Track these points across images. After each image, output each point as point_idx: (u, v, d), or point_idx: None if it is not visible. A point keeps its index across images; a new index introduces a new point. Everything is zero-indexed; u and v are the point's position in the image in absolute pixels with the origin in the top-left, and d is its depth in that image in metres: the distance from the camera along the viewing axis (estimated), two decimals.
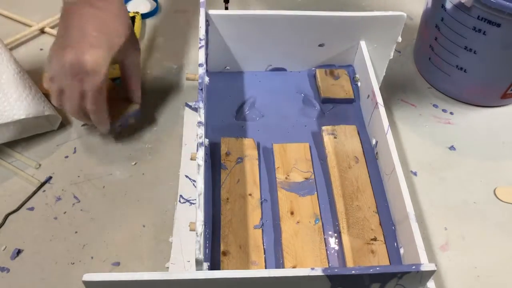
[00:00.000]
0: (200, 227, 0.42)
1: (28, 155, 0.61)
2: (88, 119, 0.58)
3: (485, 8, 0.59)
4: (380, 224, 0.51)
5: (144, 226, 0.56)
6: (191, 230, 0.43)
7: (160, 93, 0.70)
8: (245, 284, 0.39)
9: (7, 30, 0.76)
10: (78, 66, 0.53)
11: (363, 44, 0.62)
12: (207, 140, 0.52)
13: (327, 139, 0.58)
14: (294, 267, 0.48)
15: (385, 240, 0.50)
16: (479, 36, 0.62)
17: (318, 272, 0.38)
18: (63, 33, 0.55)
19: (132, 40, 0.60)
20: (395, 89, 0.73)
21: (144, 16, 0.81)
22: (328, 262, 0.49)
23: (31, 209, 0.57)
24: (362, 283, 0.40)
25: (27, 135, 0.62)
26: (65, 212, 0.56)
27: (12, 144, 0.61)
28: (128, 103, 0.64)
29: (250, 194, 0.53)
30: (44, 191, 0.58)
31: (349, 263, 0.48)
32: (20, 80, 0.59)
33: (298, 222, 0.51)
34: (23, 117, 0.57)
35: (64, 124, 0.65)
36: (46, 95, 0.62)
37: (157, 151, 0.63)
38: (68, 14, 0.55)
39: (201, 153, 0.46)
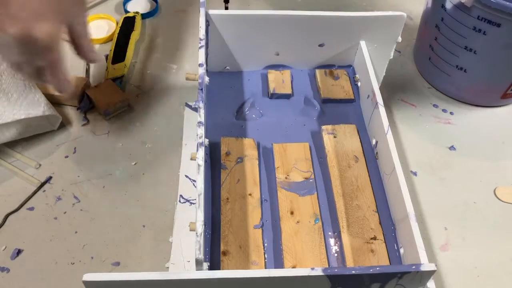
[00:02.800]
0: (200, 227, 0.42)
1: (28, 155, 0.61)
2: (44, 81, 0.51)
3: (485, 8, 0.59)
4: (380, 224, 0.51)
5: (144, 226, 0.56)
6: (191, 230, 0.43)
7: (160, 93, 0.70)
8: (245, 284, 0.39)
9: None
10: (27, 42, 0.46)
11: (363, 44, 0.62)
12: (207, 140, 0.52)
13: (326, 139, 0.58)
14: (294, 267, 0.48)
15: (384, 239, 0.50)
16: (479, 36, 0.62)
17: (318, 272, 0.38)
18: None
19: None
20: (395, 89, 0.73)
21: (144, 16, 0.81)
22: (328, 262, 0.49)
23: (31, 209, 0.57)
24: (362, 283, 0.40)
25: (27, 135, 0.62)
26: (65, 212, 0.56)
27: (12, 144, 0.61)
28: (120, 95, 0.66)
29: (250, 194, 0.53)
30: (44, 191, 0.58)
31: (349, 263, 0.48)
32: (20, 80, 0.59)
33: (298, 222, 0.51)
34: (23, 117, 0.57)
35: (64, 124, 0.65)
36: (46, 95, 0.62)
37: (157, 151, 0.63)
38: None
39: (201, 153, 0.46)
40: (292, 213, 0.52)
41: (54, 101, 0.65)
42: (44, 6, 0.46)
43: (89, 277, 0.37)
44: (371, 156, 0.57)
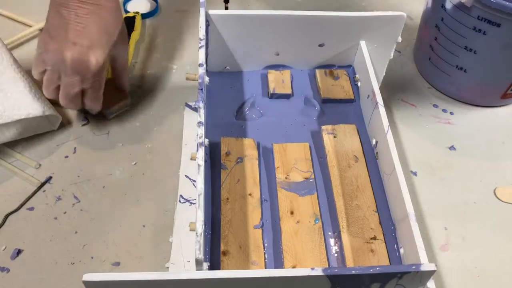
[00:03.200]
0: (200, 227, 0.42)
1: (28, 155, 0.61)
2: (78, 106, 0.59)
3: (485, 8, 0.59)
4: (380, 223, 0.51)
5: (144, 226, 0.56)
6: (191, 230, 0.43)
7: (160, 93, 0.70)
8: (245, 284, 0.39)
9: (7, 30, 0.76)
10: (81, 65, 0.53)
11: (363, 44, 0.62)
12: (207, 140, 0.52)
13: (326, 139, 0.58)
14: (294, 267, 0.48)
15: (384, 239, 0.50)
16: (479, 36, 0.62)
17: (318, 272, 0.38)
18: (58, 25, 0.54)
19: (124, 35, 0.60)
20: (395, 89, 0.73)
21: (144, 16, 0.81)
22: (328, 262, 0.49)
23: (31, 209, 0.57)
24: (362, 283, 0.40)
25: (27, 135, 0.62)
26: (65, 212, 0.56)
27: (12, 144, 0.61)
28: (122, 95, 0.66)
29: (250, 194, 0.53)
30: (44, 191, 0.58)
31: (349, 263, 0.48)
32: (20, 80, 0.59)
33: (298, 222, 0.51)
34: (23, 117, 0.57)
35: (64, 124, 0.65)
36: None
37: (157, 151, 0.63)
38: (64, 6, 0.54)
39: (201, 153, 0.46)
40: (292, 213, 0.52)
41: (54, 101, 0.65)
42: (99, 36, 0.54)
43: (89, 277, 0.37)
44: (371, 156, 0.57)
